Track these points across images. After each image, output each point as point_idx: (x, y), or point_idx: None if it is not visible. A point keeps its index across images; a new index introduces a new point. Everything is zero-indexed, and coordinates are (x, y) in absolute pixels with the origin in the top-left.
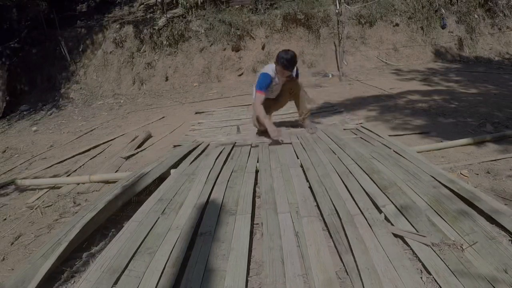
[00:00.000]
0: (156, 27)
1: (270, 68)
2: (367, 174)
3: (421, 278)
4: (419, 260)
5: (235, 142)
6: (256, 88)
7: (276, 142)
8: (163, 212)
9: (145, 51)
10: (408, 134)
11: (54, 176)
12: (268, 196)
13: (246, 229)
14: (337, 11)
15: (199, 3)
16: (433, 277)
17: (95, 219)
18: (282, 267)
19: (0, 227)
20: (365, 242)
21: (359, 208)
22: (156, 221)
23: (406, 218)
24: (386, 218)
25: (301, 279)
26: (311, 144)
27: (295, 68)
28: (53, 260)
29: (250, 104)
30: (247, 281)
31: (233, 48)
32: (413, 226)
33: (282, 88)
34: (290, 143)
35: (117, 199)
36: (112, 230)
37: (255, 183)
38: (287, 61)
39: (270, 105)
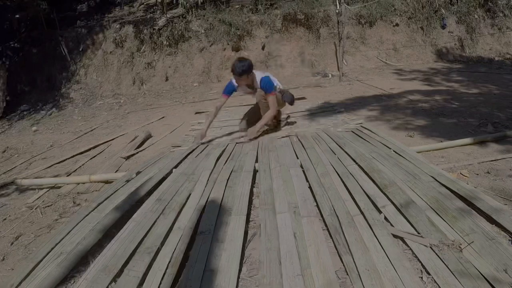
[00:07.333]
0: (156, 27)
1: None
2: (367, 174)
3: (421, 278)
4: (419, 261)
5: (236, 142)
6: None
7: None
8: (163, 212)
9: (145, 51)
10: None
11: (54, 176)
12: (267, 196)
13: (240, 230)
14: (337, 11)
15: (199, 3)
16: (432, 278)
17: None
18: (279, 268)
19: (0, 227)
20: (365, 243)
21: (359, 209)
22: (156, 221)
23: (406, 218)
24: (386, 218)
25: (300, 278)
26: (311, 143)
27: (258, 80)
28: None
29: (250, 105)
30: (238, 282)
31: (233, 48)
32: (413, 226)
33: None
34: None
35: (121, 210)
36: (113, 230)
37: (253, 183)
38: (232, 66)
39: (255, 111)
